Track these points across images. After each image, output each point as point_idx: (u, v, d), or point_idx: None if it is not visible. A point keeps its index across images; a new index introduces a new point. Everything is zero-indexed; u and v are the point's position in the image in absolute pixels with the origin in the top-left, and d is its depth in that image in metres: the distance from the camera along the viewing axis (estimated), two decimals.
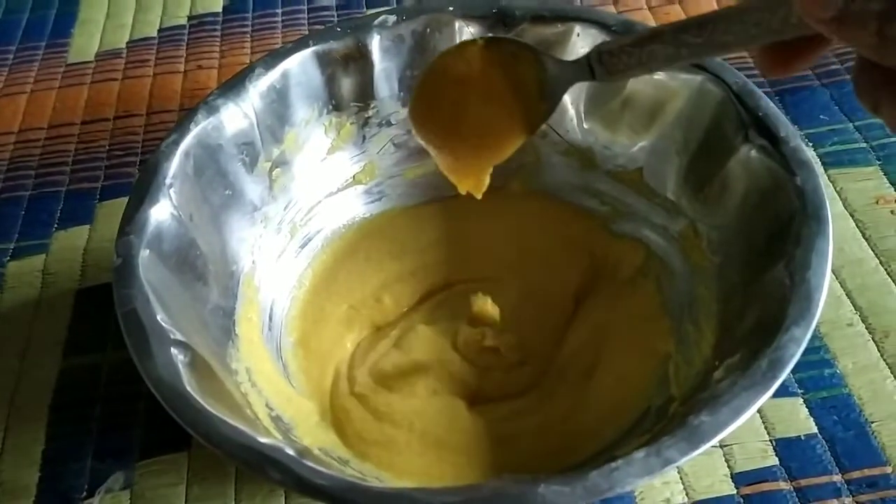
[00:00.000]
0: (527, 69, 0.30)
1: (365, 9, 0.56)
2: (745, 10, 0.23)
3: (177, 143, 0.34)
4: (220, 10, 0.57)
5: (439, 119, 0.32)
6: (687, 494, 0.33)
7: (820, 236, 0.29)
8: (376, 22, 0.39)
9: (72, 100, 0.51)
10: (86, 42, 0.55)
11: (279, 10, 0.57)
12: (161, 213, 0.32)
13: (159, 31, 0.56)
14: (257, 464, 0.25)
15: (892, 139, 0.44)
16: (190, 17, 0.57)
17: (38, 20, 0.58)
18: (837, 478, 0.33)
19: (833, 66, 0.49)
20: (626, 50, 0.27)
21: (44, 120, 0.50)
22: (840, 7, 0.19)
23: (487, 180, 0.33)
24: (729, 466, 0.33)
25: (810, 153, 0.44)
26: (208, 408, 0.26)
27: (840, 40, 0.20)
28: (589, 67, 0.29)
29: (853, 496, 0.32)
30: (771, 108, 0.33)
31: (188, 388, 0.27)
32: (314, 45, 0.38)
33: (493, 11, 0.39)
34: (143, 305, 0.29)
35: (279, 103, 0.38)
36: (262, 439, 0.26)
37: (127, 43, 0.55)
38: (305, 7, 0.57)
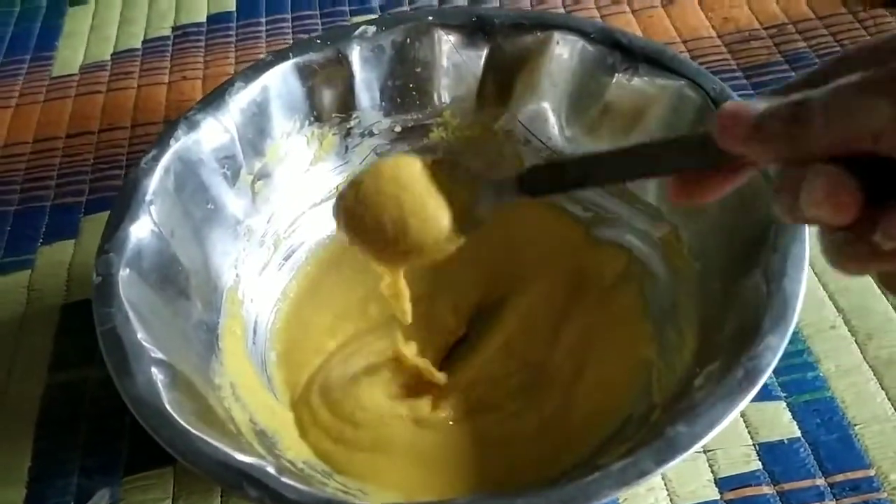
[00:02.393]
0: (461, 190, 0.29)
1: (349, 16, 0.56)
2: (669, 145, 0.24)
3: (157, 159, 0.34)
4: (203, 20, 0.57)
5: (366, 225, 0.30)
6: (671, 500, 0.33)
7: (796, 242, 0.29)
8: (356, 33, 0.39)
9: (56, 113, 0.51)
10: (70, 55, 0.55)
11: (263, 20, 0.57)
12: (141, 230, 0.32)
13: (143, 42, 0.56)
14: (235, 481, 0.25)
15: None
16: (174, 28, 0.57)
17: (22, 33, 0.58)
18: (821, 481, 0.33)
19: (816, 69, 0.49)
20: (554, 172, 0.28)
21: (28, 134, 0.50)
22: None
23: (406, 290, 0.33)
24: (713, 471, 0.33)
25: None
26: (187, 426, 0.26)
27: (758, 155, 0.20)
28: (518, 186, 0.28)
29: (836, 500, 0.32)
30: None
31: (167, 407, 0.27)
32: (294, 56, 0.38)
33: (473, 20, 0.39)
34: (123, 324, 0.29)
35: (260, 116, 0.38)
36: (241, 457, 0.26)
37: (111, 55, 0.55)
38: (289, 16, 0.57)
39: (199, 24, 0.57)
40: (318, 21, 0.56)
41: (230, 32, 0.56)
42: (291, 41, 0.55)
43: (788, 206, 0.20)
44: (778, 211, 0.20)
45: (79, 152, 0.49)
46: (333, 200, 0.39)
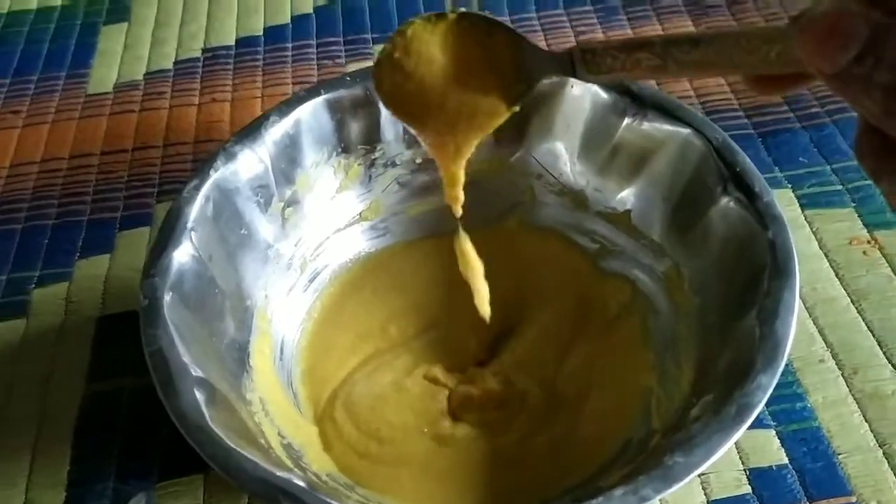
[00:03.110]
0: (502, 49, 0.29)
1: (371, 43, 0.59)
2: (743, 35, 0.23)
3: (198, 189, 0.37)
4: (232, 42, 0.60)
5: (407, 91, 0.30)
6: None
7: (787, 289, 0.32)
8: None
9: (91, 130, 0.54)
10: (105, 73, 0.58)
11: (289, 45, 0.59)
12: (183, 255, 0.35)
13: (175, 63, 0.58)
14: (272, 496, 0.28)
15: (867, 182, 0.47)
16: (204, 50, 0.59)
17: (58, 50, 0.60)
18: None
19: (814, 109, 0.51)
20: (612, 52, 0.26)
21: (65, 150, 0.53)
22: (842, 66, 0.19)
23: (462, 176, 0.33)
24: (706, 494, 0.36)
25: (788, 195, 0.47)
26: (228, 442, 0.29)
27: (843, 98, 0.20)
28: (570, 63, 0.27)
29: None
30: (748, 164, 0.36)
31: (209, 423, 0.29)
32: (325, 93, 0.41)
33: None
34: (168, 345, 0.31)
35: (292, 148, 0.40)
36: (277, 472, 0.28)
37: (144, 75, 0.58)
38: (314, 41, 0.59)
39: (227, 48, 0.59)
40: (342, 48, 0.59)
41: (258, 56, 0.58)
42: (316, 66, 0.58)
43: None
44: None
45: (113, 169, 0.51)
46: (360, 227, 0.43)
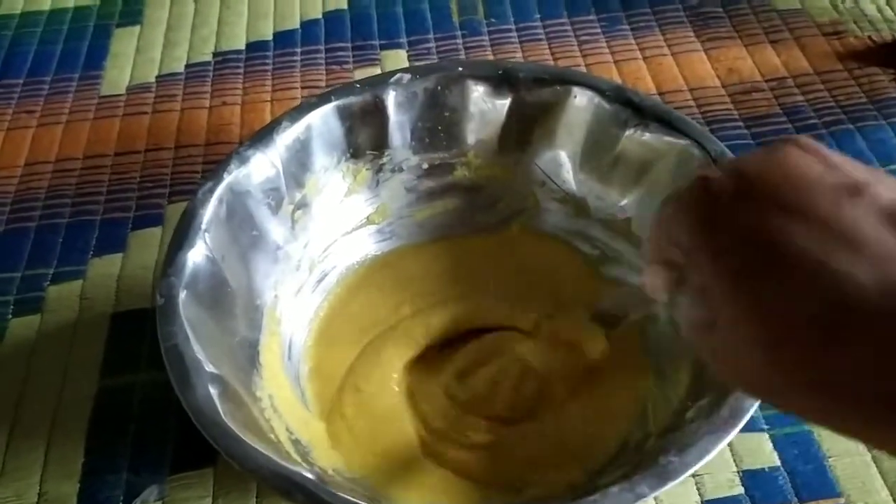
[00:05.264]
0: None
1: (378, 49, 0.60)
2: None
3: (212, 191, 0.38)
4: (243, 47, 0.61)
5: None
6: None
7: None
8: (392, 79, 0.43)
9: (105, 132, 0.55)
10: (118, 75, 0.59)
11: (298, 50, 0.60)
12: (197, 255, 0.36)
13: (186, 66, 0.60)
14: (284, 488, 0.29)
15: None
16: (215, 54, 0.60)
17: (71, 52, 0.61)
18: None
19: (812, 121, 0.52)
20: None
21: (79, 150, 0.54)
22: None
23: None
24: (700, 494, 0.37)
25: None
26: (241, 435, 0.30)
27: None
28: None
29: None
30: None
31: (224, 418, 0.31)
32: (335, 100, 0.42)
33: (499, 72, 0.43)
34: (184, 342, 0.33)
35: (302, 152, 0.41)
36: (289, 465, 0.30)
37: (156, 77, 0.59)
38: (323, 47, 0.60)
39: (238, 52, 0.60)
40: (350, 53, 0.60)
41: (267, 61, 0.60)
42: (325, 71, 0.59)
43: None
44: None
45: (126, 170, 0.52)
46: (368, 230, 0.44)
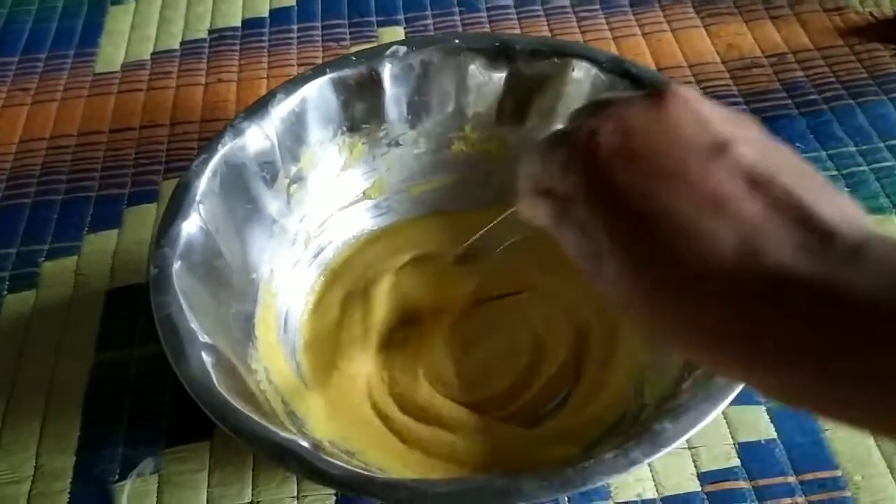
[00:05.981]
0: None
1: (376, 26, 0.60)
2: None
3: (206, 163, 0.38)
4: (239, 24, 0.60)
5: None
6: (657, 490, 0.36)
7: None
8: (388, 52, 0.42)
9: (100, 109, 0.55)
10: (112, 52, 0.59)
11: (294, 27, 0.60)
12: (191, 226, 0.36)
13: (182, 43, 0.59)
14: (279, 456, 0.29)
15: (861, 167, 0.48)
16: (210, 31, 0.60)
17: (65, 29, 0.61)
18: (792, 479, 0.36)
19: (812, 97, 0.52)
20: None
21: (73, 127, 0.54)
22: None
23: None
24: (696, 466, 0.37)
25: None
26: (236, 405, 0.30)
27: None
28: None
29: (806, 496, 0.36)
30: None
31: (218, 387, 0.31)
32: (331, 72, 0.42)
33: (496, 45, 0.42)
34: (177, 312, 0.32)
35: (298, 125, 0.41)
36: (284, 434, 0.29)
37: (151, 54, 0.58)
38: (319, 24, 0.60)
39: (234, 29, 0.60)
40: (347, 30, 0.59)
41: (263, 38, 0.59)
42: (321, 48, 0.58)
43: None
44: None
45: (121, 147, 0.52)
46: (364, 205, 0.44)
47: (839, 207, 0.20)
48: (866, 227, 0.20)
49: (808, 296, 0.19)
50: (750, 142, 0.22)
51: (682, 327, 0.21)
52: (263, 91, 0.55)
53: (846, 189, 0.47)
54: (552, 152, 0.25)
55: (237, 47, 0.59)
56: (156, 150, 0.52)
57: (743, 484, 0.36)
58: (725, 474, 0.37)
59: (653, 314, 0.22)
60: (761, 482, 0.36)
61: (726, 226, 0.20)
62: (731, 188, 0.21)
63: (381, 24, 0.60)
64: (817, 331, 0.18)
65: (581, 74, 0.42)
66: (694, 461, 0.37)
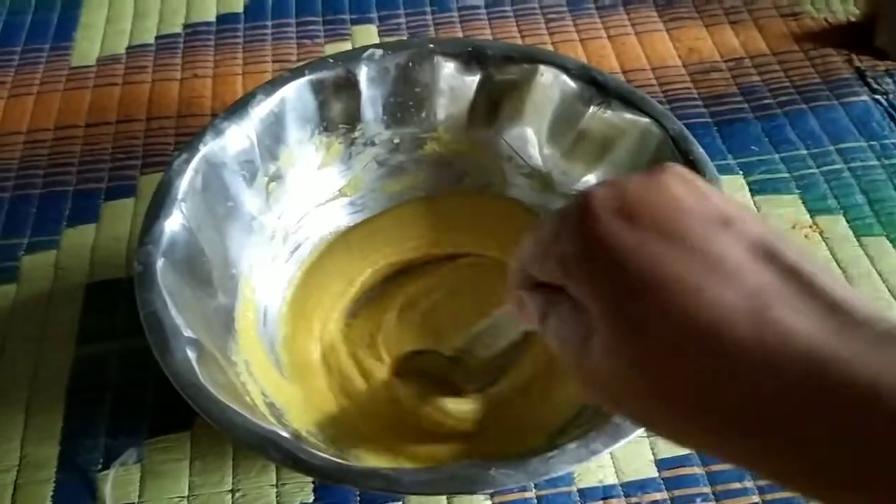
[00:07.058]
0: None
1: (349, 24, 0.61)
2: None
3: (187, 162, 0.39)
4: (213, 19, 0.61)
5: None
6: (617, 476, 0.39)
7: None
8: (365, 55, 0.44)
9: (76, 103, 0.55)
10: (88, 46, 0.59)
11: (269, 23, 0.61)
12: (174, 224, 0.37)
13: (156, 38, 0.60)
14: (260, 445, 0.30)
15: (812, 170, 0.51)
16: (185, 26, 0.61)
17: (40, 22, 0.61)
18: None
19: (767, 101, 0.55)
20: None
21: (50, 121, 0.54)
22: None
23: None
24: (654, 453, 0.39)
25: (740, 181, 0.50)
26: (219, 397, 0.32)
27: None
28: None
29: (754, 480, 0.38)
30: (700, 153, 0.39)
31: (201, 380, 0.32)
32: (309, 74, 0.43)
33: (469, 50, 0.44)
34: (162, 308, 0.34)
35: (277, 125, 0.42)
36: (264, 425, 0.31)
37: (126, 49, 0.59)
38: (294, 20, 0.61)
39: (209, 24, 0.61)
40: (321, 28, 0.61)
41: (238, 34, 0.60)
42: (296, 45, 0.59)
43: None
44: None
45: (98, 141, 0.53)
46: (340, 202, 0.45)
47: (850, 290, 0.19)
48: (884, 313, 0.19)
49: (846, 384, 0.17)
50: (754, 219, 0.21)
51: (683, 414, 0.20)
52: (239, 87, 0.56)
53: (797, 191, 0.50)
54: (543, 225, 0.24)
55: (212, 42, 0.59)
56: (132, 145, 0.52)
57: (697, 469, 0.39)
58: (681, 461, 0.39)
59: (646, 408, 0.21)
60: (714, 468, 0.39)
61: (736, 295, 0.19)
62: (737, 257, 0.20)
63: (354, 23, 0.61)
64: (853, 433, 0.17)
65: (549, 80, 0.44)
66: (652, 449, 0.39)
